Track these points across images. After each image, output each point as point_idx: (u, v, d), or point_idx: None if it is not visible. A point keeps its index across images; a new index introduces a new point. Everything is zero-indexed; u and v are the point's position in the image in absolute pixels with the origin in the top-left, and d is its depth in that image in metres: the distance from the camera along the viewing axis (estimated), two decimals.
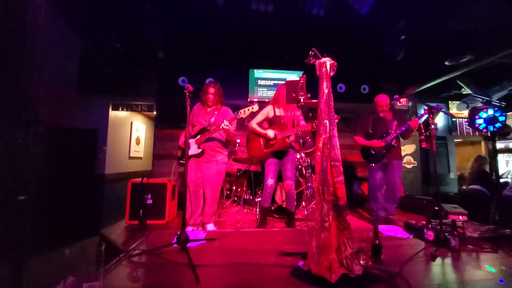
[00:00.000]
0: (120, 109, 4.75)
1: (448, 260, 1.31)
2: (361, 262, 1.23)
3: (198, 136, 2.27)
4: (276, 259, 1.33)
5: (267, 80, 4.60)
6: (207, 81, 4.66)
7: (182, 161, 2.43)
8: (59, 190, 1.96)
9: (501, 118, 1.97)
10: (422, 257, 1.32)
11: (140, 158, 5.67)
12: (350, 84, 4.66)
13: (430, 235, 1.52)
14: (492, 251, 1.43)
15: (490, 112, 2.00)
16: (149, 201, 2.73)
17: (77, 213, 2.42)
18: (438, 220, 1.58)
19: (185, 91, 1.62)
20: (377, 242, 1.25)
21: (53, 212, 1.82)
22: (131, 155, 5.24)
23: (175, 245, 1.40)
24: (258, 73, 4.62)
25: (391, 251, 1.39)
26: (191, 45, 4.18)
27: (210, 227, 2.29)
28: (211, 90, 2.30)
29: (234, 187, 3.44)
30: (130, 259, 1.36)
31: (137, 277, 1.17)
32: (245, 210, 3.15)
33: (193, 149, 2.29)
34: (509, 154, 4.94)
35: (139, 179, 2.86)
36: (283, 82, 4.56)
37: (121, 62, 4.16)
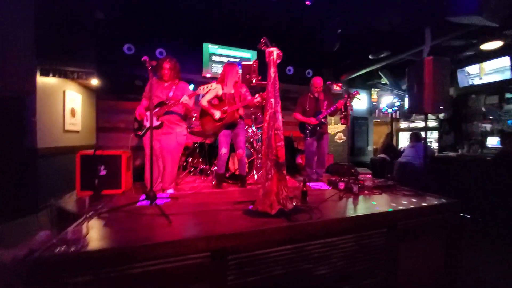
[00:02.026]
0: (50, 75, 4.16)
1: (350, 200, 1.91)
2: (293, 203, 1.70)
3: (157, 109, 2.36)
4: (231, 207, 1.69)
5: (221, 56, 4.68)
6: (157, 51, 4.46)
7: (139, 133, 2.50)
8: None
9: (396, 104, 2.70)
10: (334, 199, 1.89)
11: (77, 131, 5.17)
12: (297, 68, 5.16)
13: (341, 185, 2.13)
14: (378, 194, 2.11)
15: (390, 98, 2.70)
16: (103, 173, 2.72)
17: (11, 190, 2.27)
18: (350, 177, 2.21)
19: (146, 65, 1.71)
20: (304, 189, 1.73)
21: None
22: (66, 128, 4.74)
23: (144, 201, 1.62)
24: (213, 48, 4.66)
25: (315, 197, 1.92)
26: (139, 9, 3.88)
27: (170, 191, 2.50)
28: (166, 65, 2.37)
29: (190, 159, 3.64)
30: (100, 215, 1.52)
31: (114, 225, 1.36)
32: (202, 179, 3.43)
33: (152, 122, 2.38)
34: (409, 132, 6.40)
35: (88, 151, 2.79)
36: (238, 60, 4.74)
37: (48, 19, 3.58)
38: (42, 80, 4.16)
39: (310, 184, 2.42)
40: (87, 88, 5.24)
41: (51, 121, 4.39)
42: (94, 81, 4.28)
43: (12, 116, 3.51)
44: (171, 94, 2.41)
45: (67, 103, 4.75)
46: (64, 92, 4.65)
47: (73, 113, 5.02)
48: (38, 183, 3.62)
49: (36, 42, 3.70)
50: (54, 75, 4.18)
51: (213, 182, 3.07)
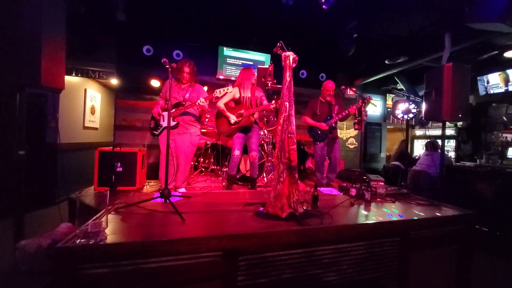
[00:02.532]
0: (73, 74, 4.37)
1: (361, 206, 1.89)
2: (304, 207, 1.70)
3: (173, 110, 2.44)
4: (242, 208, 1.72)
5: (236, 59, 4.75)
6: (174, 53, 4.59)
7: (155, 132, 2.59)
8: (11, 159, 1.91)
9: (413, 110, 2.65)
10: (345, 205, 1.88)
11: (96, 128, 5.38)
12: (311, 71, 5.14)
13: (353, 191, 2.10)
14: (391, 202, 2.06)
15: (406, 105, 2.66)
16: (119, 169, 2.82)
17: (31, 182, 2.37)
18: (362, 184, 2.18)
19: (167, 66, 1.78)
20: (315, 193, 1.73)
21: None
22: (85, 125, 4.95)
23: (158, 198, 1.67)
24: (228, 51, 4.73)
25: (326, 202, 1.91)
26: (158, 12, 4.01)
27: (182, 190, 2.56)
28: (186, 69, 2.45)
29: (201, 159, 3.71)
30: (118, 210, 1.58)
31: (130, 220, 1.42)
32: (212, 179, 3.48)
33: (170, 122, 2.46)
34: (425, 139, 6.22)
35: (106, 148, 2.90)
36: (251, 62, 4.79)
37: (73, 20, 3.75)
38: (65, 79, 4.38)
39: (321, 189, 2.41)
40: (107, 87, 5.46)
41: (72, 117, 4.61)
42: (114, 81, 4.46)
43: (37, 111, 3.73)
44: (187, 95, 2.48)
45: (88, 101, 4.97)
46: (85, 90, 4.86)
47: (92, 111, 5.24)
48: (58, 177, 3.81)
49: (67, 42, 3.91)
50: (76, 74, 4.40)
51: (224, 183, 3.12)
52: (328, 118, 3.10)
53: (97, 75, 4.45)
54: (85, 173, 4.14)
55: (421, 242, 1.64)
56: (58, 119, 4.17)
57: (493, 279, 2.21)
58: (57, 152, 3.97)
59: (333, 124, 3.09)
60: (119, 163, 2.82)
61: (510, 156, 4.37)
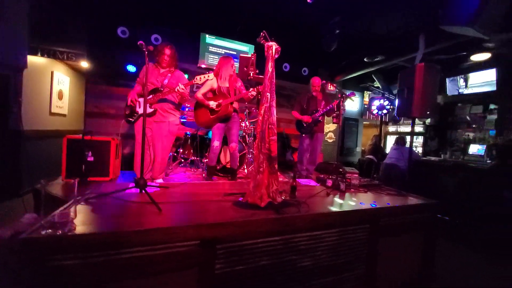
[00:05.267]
0: (38, 54, 3.98)
1: (336, 196, 1.97)
2: (283, 197, 1.73)
3: (150, 96, 2.32)
4: (222, 198, 1.71)
5: (218, 48, 4.63)
6: (152, 37, 4.36)
7: (130, 119, 2.46)
8: None
9: (387, 107, 2.80)
10: (321, 195, 1.95)
11: (64, 115, 5.00)
12: (294, 65, 5.17)
13: (329, 182, 2.19)
14: (364, 192, 2.18)
15: (381, 101, 2.80)
16: (90, 158, 2.65)
17: None
18: (338, 175, 2.28)
19: (143, 49, 1.68)
20: (294, 184, 1.77)
21: None
22: (52, 110, 4.57)
23: (133, 189, 1.61)
24: (210, 39, 4.59)
25: (303, 192, 1.96)
26: None
27: (160, 181, 2.49)
28: (167, 51, 2.33)
29: (181, 150, 3.62)
30: (88, 201, 1.50)
31: (102, 210, 1.35)
32: (192, 170, 3.42)
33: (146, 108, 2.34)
34: (397, 135, 6.60)
35: (76, 136, 2.71)
36: (235, 52, 4.70)
37: None
38: (29, 59, 3.97)
39: (299, 180, 2.48)
40: (76, 70, 5.06)
41: (37, 102, 4.23)
42: (84, 64, 4.13)
43: None
44: (166, 81, 2.37)
45: (55, 85, 4.57)
46: (52, 73, 4.46)
47: (60, 96, 4.84)
48: (22, 167, 3.50)
49: (29, 18, 3.53)
50: (42, 55, 4.01)
51: (204, 174, 3.08)
52: (314, 112, 3.24)
53: (65, 56, 4.09)
54: (52, 163, 3.85)
55: (389, 229, 1.75)
56: (21, 104, 3.80)
57: (453, 263, 2.44)
58: (21, 140, 3.63)
59: (319, 118, 3.22)
60: (90, 152, 2.66)
61: (471, 152, 4.79)
